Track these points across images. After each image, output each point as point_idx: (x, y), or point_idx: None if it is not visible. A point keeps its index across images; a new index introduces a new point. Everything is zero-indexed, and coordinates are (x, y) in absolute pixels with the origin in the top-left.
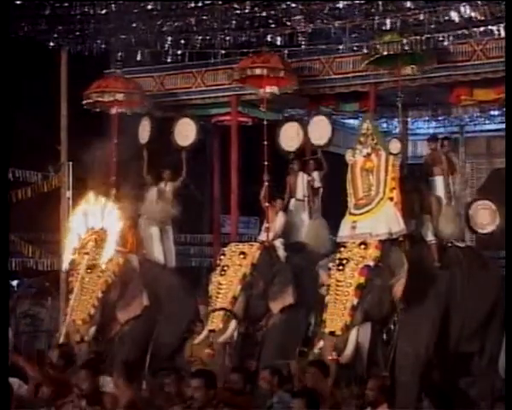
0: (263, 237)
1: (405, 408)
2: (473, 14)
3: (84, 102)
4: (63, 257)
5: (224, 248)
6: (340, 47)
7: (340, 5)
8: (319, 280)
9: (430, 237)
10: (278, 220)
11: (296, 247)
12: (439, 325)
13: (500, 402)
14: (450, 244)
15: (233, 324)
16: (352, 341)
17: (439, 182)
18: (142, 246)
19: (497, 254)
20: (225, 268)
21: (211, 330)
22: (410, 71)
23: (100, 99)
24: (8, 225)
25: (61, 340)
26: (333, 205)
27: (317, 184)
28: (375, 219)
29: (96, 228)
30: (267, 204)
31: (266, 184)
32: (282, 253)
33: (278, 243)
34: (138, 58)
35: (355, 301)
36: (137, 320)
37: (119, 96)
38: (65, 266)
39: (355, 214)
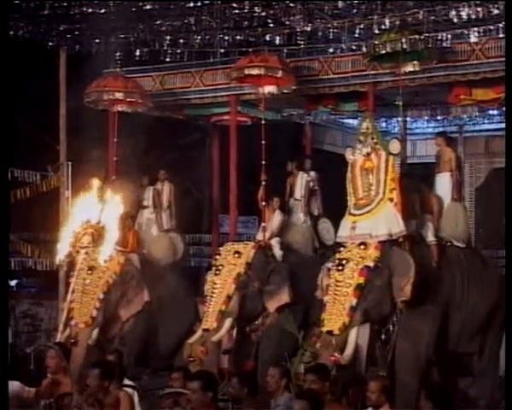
0: (260, 236)
1: (406, 409)
2: (471, 14)
3: (85, 100)
4: (57, 249)
5: (220, 248)
6: (340, 46)
7: (339, 4)
8: (318, 281)
9: (430, 238)
10: (275, 220)
11: (293, 246)
12: (439, 326)
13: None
14: (449, 244)
15: (227, 323)
16: (351, 341)
17: (446, 179)
18: (143, 246)
19: (497, 254)
20: (220, 268)
21: (205, 329)
22: (411, 67)
23: (99, 98)
24: (8, 225)
25: (59, 338)
26: (332, 205)
27: (313, 185)
28: (375, 219)
29: (92, 222)
30: (264, 204)
31: (263, 183)
32: (277, 252)
33: (274, 241)
34: (137, 58)
35: (354, 302)
36: (138, 317)
37: (119, 95)
38: (59, 258)
39: (355, 215)
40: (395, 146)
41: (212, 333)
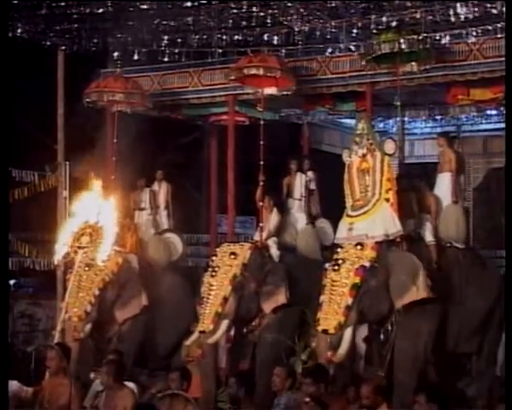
0: (257, 236)
1: (404, 408)
2: (469, 14)
3: (84, 100)
4: (55, 248)
5: (216, 249)
6: (337, 46)
7: (337, 4)
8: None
9: (429, 238)
10: (272, 220)
11: (291, 246)
12: (438, 325)
13: (499, 402)
14: (448, 245)
15: (224, 325)
16: (346, 340)
17: (446, 179)
18: (141, 247)
19: (495, 254)
20: (216, 269)
21: (201, 332)
22: (409, 68)
23: (99, 98)
24: (7, 225)
25: (57, 337)
26: (331, 205)
27: (312, 185)
28: (372, 220)
29: (90, 222)
30: (261, 204)
31: (261, 183)
32: (274, 252)
33: (271, 242)
34: (135, 57)
35: (350, 301)
36: (136, 320)
37: (119, 96)
38: (57, 258)
39: (352, 216)
40: (390, 146)
41: (208, 335)
